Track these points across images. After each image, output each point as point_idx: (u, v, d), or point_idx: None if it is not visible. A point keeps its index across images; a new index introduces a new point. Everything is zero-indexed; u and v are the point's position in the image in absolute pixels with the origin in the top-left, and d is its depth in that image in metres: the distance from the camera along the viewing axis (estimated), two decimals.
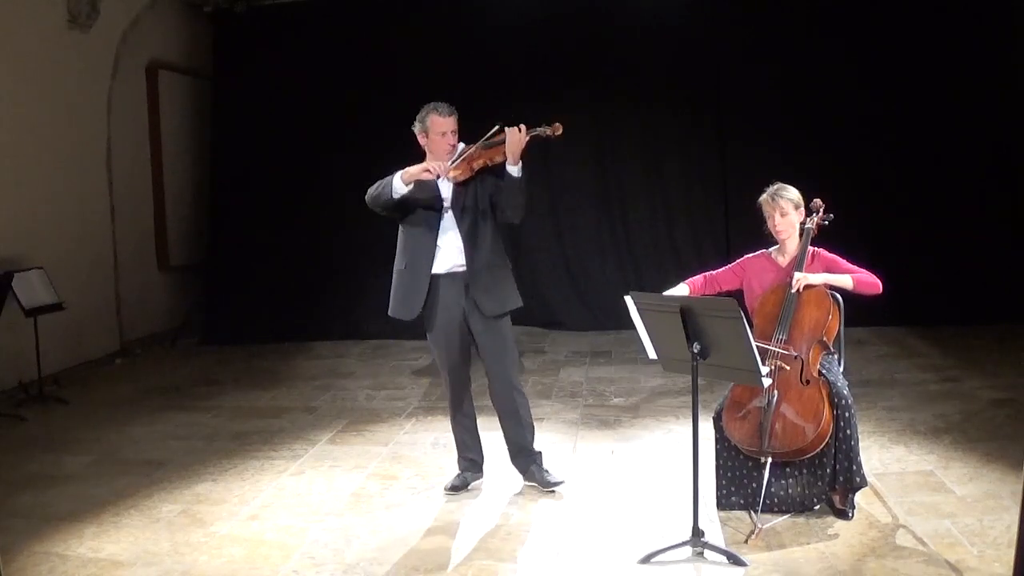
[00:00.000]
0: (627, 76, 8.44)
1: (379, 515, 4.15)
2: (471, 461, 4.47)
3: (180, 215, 9.24)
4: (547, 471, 4.41)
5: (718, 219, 8.56)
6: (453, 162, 4.15)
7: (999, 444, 4.69)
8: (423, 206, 4.23)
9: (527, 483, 4.44)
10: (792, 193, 4.05)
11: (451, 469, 4.57)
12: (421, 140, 4.29)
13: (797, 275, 3.92)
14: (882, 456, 4.63)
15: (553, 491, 4.34)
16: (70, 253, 7.50)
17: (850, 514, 3.82)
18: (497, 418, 4.42)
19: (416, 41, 8.63)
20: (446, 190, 4.25)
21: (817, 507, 3.88)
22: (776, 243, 4.14)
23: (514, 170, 4.07)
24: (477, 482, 4.48)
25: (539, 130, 4.04)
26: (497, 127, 4.11)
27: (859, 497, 3.91)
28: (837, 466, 3.78)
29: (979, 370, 6.32)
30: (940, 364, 6.62)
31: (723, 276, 4.17)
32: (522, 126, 4.03)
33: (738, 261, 4.22)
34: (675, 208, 8.65)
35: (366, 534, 3.93)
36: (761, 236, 4.19)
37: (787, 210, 4.02)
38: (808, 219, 4.08)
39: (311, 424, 5.77)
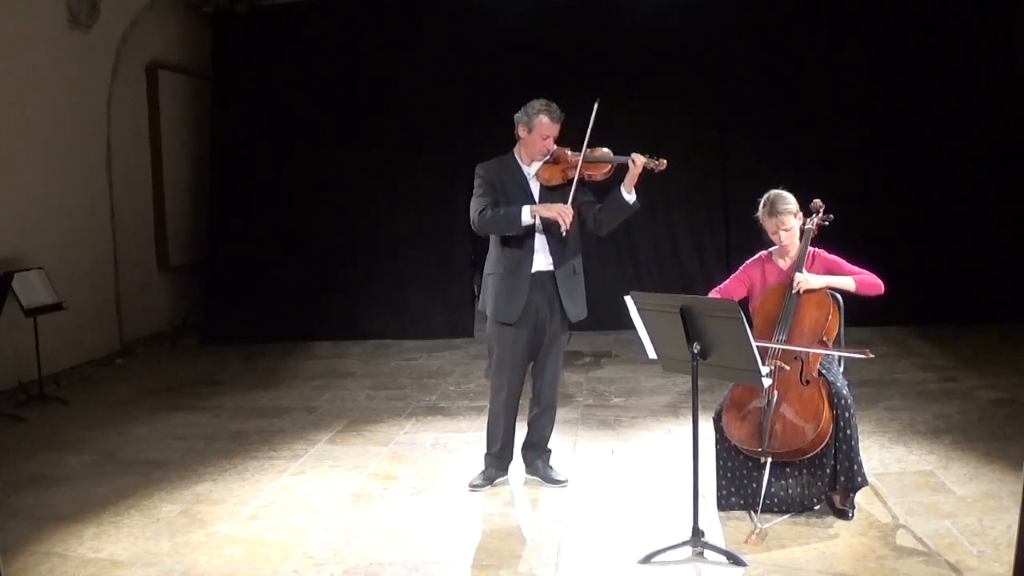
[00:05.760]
0: (627, 76, 8.43)
1: (379, 515, 4.15)
2: (501, 459, 4.50)
3: (180, 215, 9.24)
4: (552, 468, 4.51)
5: (718, 219, 8.57)
6: (546, 162, 4.27)
7: (999, 444, 4.69)
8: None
9: (528, 475, 4.52)
10: (789, 203, 4.02)
11: (451, 469, 4.58)
12: (521, 132, 4.30)
13: (798, 277, 3.92)
14: (882, 456, 4.63)
15: (555, 487, 4.40)
16: (70, 253, 7.50)
17: (850, 514, 3.82)
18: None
19: (416, 41, 8.63)
20: (535, 192, 4.30)
21: (817, 507, 3.88)
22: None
23: (630, 198, 4.20)
24: (503, 479, 4.51)
25: (648, 162, 4.13)
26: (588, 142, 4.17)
27: (859, 497, 3.91)
28: (837, 466, 3.78)
29: (979, 370, 6.33)
30: (940, 364, 6.63)
31: (733, 287, 4.15)
32: (637, 157, 4.12)
33: (742, 268, 4.20)
34: (675, 208, 8.65)
35: (366, 534, 3.93)
36: (762, 236, 4.19)
37: (789, 224, 4.01)
38: (808, 220, 4.07)
39: (311, 424, 5.78)
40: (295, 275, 8.73)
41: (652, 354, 3.71)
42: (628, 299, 3.65)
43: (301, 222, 8.80)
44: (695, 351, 3.44)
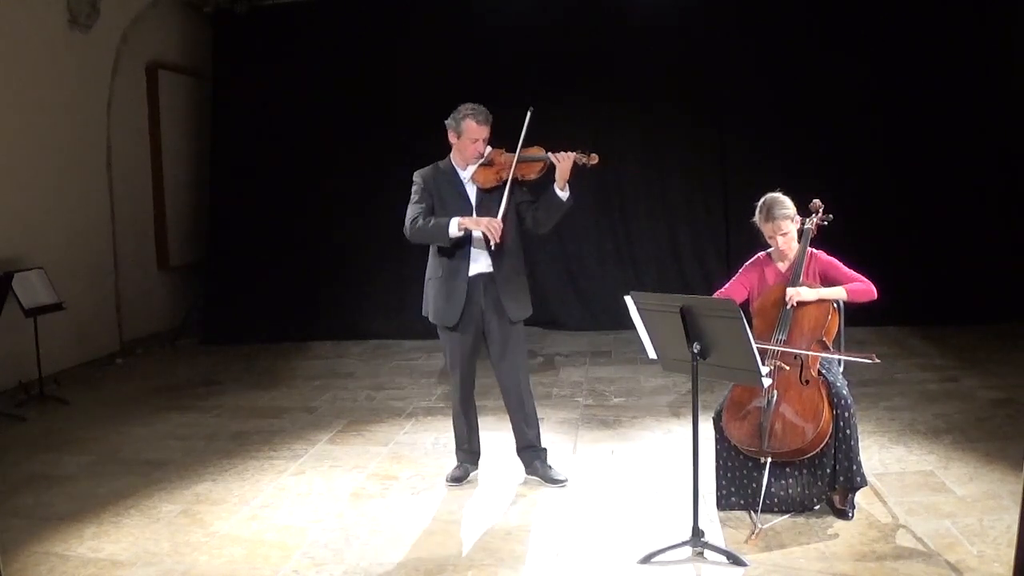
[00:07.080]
0: (628, 78, 8.43)
1: (379, 515, 4.15)
2: (471, 453, 4.57)
3: (180, 215, 9.24)
4: (551, 467, 4.51)
5: (718, 219, 8.56)
6: (480, 165, 4.28)
7: (999, 444, 4.69)
8: (453, 213, 4.25)
9: (528, 476, 4.52)
10: (786, 207, 4.01)
11: (451, 469, 4.57)
12: (451, 138, 4.34)
13: (790, 291, 3.91)
14: (882, 456, 4.63)
15: (555, 487, 4.40)
16: (70, 253, 7.50)
17: (850, 514, 3.82)
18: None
19: (416, 42, 8.63)
20: (472, 196, 4.31)
21: (817, 507, 3.88)
22: None
23: (563, 195, 4.21)
24: (474, 473, 4.58)
25: (578, 158, 4.13)
26: (522, 142, 4.16)
27: (859, 497, 3.91)
28: (837, 466, 3.78)
29: (979, 370, 6.33)
30: (940, 364, 6.62)
31: (733, 290, 4.13)
32: (566, 154, 4.12)
33: (740, 271, 4.19)
34: (675, 208, 8.65)
35: (366, 534, 3.94)
36: (761, 237, 4.18)
37: (786, 228, 4.00)
38: (807, 220, 4.07)
39: (311, 424, 5.78)
40: (295, 275, 8.73)
41: (652, 354, 3.71)
42: (628, 299, 3.65)
43: (301, 222, 8.80)
44: (695, 351, 3.44)
